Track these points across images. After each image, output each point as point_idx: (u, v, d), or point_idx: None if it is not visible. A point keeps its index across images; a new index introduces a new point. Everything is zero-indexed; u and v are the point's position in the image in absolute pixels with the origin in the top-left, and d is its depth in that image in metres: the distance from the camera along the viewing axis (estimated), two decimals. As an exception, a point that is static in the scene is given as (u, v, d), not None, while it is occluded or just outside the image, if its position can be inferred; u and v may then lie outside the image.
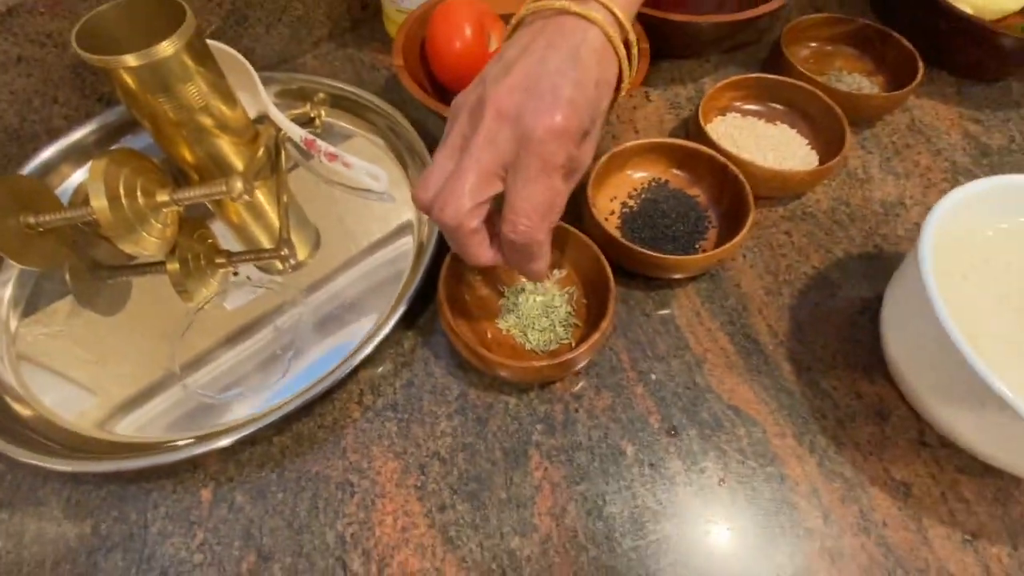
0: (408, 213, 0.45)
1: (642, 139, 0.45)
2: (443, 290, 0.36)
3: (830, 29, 0.55)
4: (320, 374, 0.35)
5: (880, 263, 0.43)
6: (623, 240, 0.39)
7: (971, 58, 0.54)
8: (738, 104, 0.51)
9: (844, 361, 0.38)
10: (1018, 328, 0.33)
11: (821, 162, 0.47)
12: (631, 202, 0.45)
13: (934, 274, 0.32)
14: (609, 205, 0.45)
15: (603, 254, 0.38)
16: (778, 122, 0.50)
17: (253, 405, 0.36)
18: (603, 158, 0.43)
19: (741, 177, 0.42)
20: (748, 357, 0.38)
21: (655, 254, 0.38)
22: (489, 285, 0.40)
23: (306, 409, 0.36)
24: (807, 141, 0.49)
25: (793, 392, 0.37)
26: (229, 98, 0.41)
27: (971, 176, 0.49)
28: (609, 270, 0.37)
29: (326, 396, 0.36)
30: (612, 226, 0.44)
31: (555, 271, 0.41)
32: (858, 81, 0.53)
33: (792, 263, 0.43)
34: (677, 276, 0.41)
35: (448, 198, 0.27)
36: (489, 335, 0.38)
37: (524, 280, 0.40)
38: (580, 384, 0.37)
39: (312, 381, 0.35)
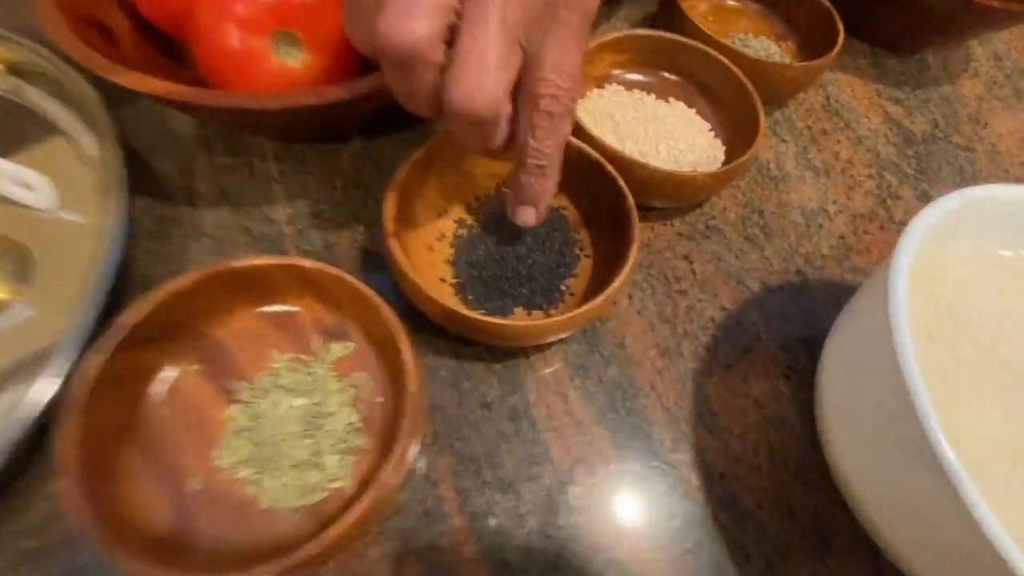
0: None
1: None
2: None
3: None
4: None
5: (806, 298, 0.32)
6: (441, 300, 0.24)
7: (892, 26, 0.44)
8: (620, 73, 0.38)
9: (769, 457, 0.27)
10: (1010, 429, 0.23)
11: (728, 152, 0.35)
12: (469, 219, 0.30)
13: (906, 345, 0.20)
14: (435, 226, 0.30)
15: (424, 313, 0.23)
16: (672, 98, 0.37)
17: None
18: (418, 152, 0.28)
19: (621, 184, 0.28)
20: (637, 467, 0.25)
21: (491, 320, 0.24)
22: (214, 381, 0.23)
23: None
24: (709, 125, 0.36)
25: (703, 521, 0.25)
26: None
27: (897, 171, 0.39)
28: (406, 349, 0.22)
29: None
30: (439, 260, 0.29)
31: (333, 344, 0.25)
32: (766, 47, 0.41)
33: (695, 303, 0.31)
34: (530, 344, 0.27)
35: (473, 78, 0.18)
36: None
37: (276, 363, 0.24)
38: (372, 552, 0.22)
39: None
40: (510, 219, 0.26)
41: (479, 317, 0.24)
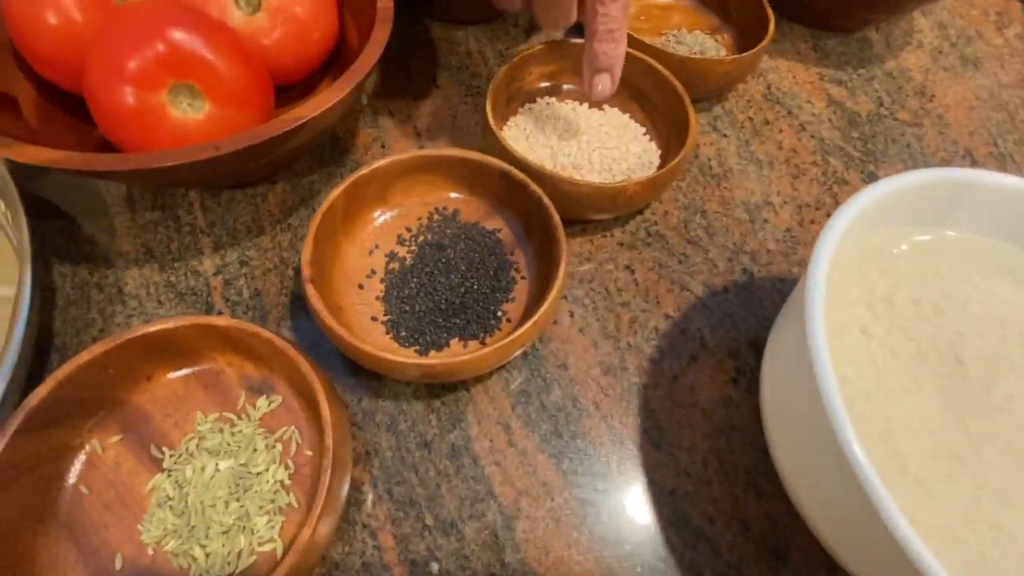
0: None
1: (408, 153, 0.29)
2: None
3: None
4: None
5: (752, 298, 0.31)
6: (369, 343, 0.23)
7: (828, 7, 0.44)
8: (550, 84, 0.37)
9: (719, 469, 0.26)
10: (949, 420, 0.22)
11: (664, 155, 0.34)
12: (401, 252, 0.30)
13: (824, 348, 0.20)
14: (365, 262, 0.29)
15: (350, 358, 0.22)
16: (605, 105, 0.37)
17: None
18: (337, 191, 0.27)
19: (547, 203, 0.28)
20: (583, 493, 0.25)
21: (416, 362, 0.23)
22: (136, 452, 0.23)
23: None
24: (644, 129, 0.36)
25: (653, 545, 0.24)
26: None
27: (843, 155, 0.39)
28: (323, 403, 0.21)
29: None
30: (372, 297, 0.28)
31: (260, 400, 0.24)
32: (701, 42, 0.41)
33: (638, 315, 0.30)
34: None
35: None
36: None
37: (200, 425, 0.23)
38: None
39: None
40: (590, 95, 0.29)
41: (404, 360, 0.23)
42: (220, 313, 0.28)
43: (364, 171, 0.28)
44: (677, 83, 0.34)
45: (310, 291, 0.24)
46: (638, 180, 0.29)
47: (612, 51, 0.27)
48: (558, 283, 0.25)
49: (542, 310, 0.24)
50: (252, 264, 0.30)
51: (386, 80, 0.38)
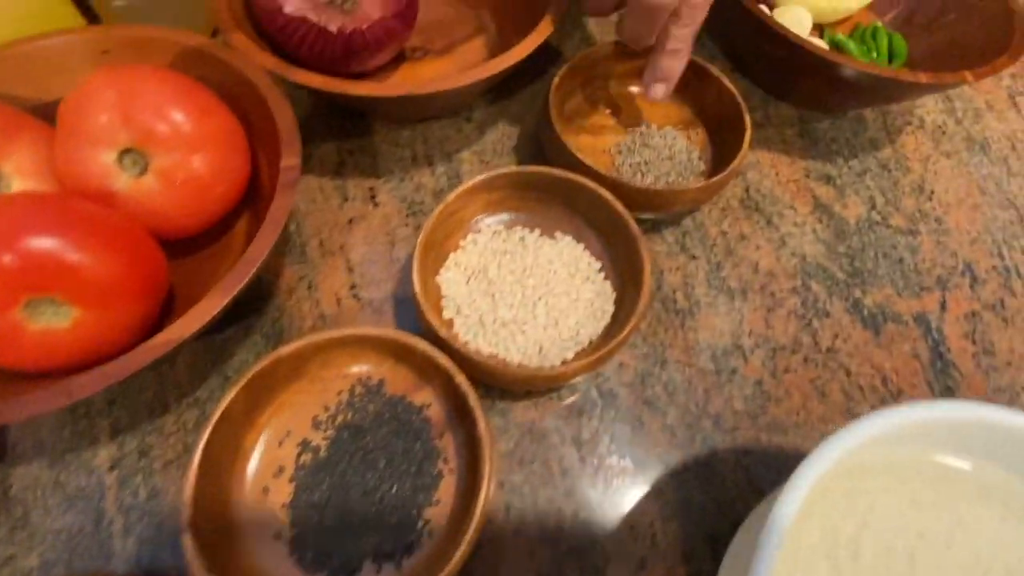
0: None
1: (320, 335, 0.26)
2: None
3: (627, 63, 0.38)
4: None
5: (713, 478, 0.28)
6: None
7: (818, 93, 0.39)
8: (496, 213, 0.33)
9: None
10: None
11: (620, 297, 0.30)
12: (315, 439, 0.27)
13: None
14: (274, 456, 0.26)
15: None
16: (559, 232, 0.33)
17: None
18: (236, 387, 0.24)
19: (458, 382, 0.24)
20: None
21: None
22: None
23: None
24: (600, 264, 0.32)
25: None
26: None
27: (826, 277, 0.35)
28: None
29: None
30: (277, 504, 0.25)
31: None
32: (670, 142, 0.37)
33: (581, 505, 0.27)
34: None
35: None
36: None
37: None
38: None
39: None
40: (648, 94, 0.34)
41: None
42: (111, 522, 0.25)
43: (265, 363, 0.25)
44: (631, 224, 0.29)
45: (187, 543, 0.21)
46: (576, 364, 0.26)
47: (674, 66, 0.32)
48: (483, 492, 0.22)
49: (465, 542, 0.21)
50: (152, 455, 0.27)
51: (319, 199, 0.35)
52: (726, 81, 0.36)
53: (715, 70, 0.36)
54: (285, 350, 0.25)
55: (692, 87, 0.37)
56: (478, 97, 0.39)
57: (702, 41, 0.45)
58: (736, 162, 0.32)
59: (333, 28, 0.31)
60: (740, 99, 0.35)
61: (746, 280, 0.34)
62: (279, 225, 0.24)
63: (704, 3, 0.29)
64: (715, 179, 0.32)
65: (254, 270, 0.23)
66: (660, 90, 0.33)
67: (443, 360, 0.25)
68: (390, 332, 0.26)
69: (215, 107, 0.27)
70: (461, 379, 0.25)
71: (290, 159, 0.26)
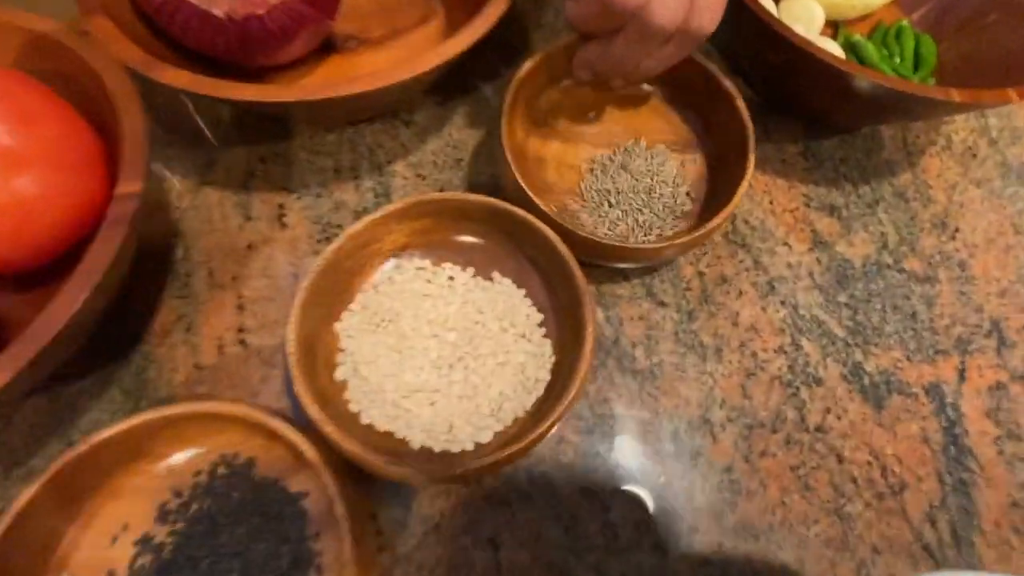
0: None
1: (171, 408, 0.20)
2: None
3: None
4: None
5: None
6: None
7: (816, 103, 0.33)
8: (423, 245, 0.27)
9: None
10: None
11: (560, 360, 0.24)
12: (161, 535, 0.21)
13: None
14: (103, 558, 0.20)
15: None
16: (497, 273, 0.27)
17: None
18: (35, 486, 0.19)
19: (332, 495, 0.19)
20: None
21: None
22: None
23: None
24: (542, 317, 0.26)
25: None
26: None
27: (822, 334, 0.28)
28: None
29: None
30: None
31: None
32: (656, 165, 0.30)
33: (493, 626, 0.22)
34: None
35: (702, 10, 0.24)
36: None
37: None
38: None
39: None
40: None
41: None
42: None
43: (82, 448, 0.19)
44: (578, 280, 0.23)
45: None
46: (491, 460, 0.20)
47: (626, 80, 0.28)
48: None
49: None
50: (-40, 544, 0.22)
51: (216, 218, 0.29)
52: (740, 102, 0.28)
53: (730, 85, 0.29)
54: (107, 433, 0.20)
55: (701, 98, 0.30)
56: (420, 96, 0.33)
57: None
58: (717, 220, 0.26)
59: (219, 12, 0.25)
60: (749, 126, 0.28)
61: (722, 335, 0.28)
62: (86, 286, 0.18)
63: (695, 43, 0.26)
64: (695, 235, 0.25)
65: (33, 354, 0.17)
66: (618, 82, 0.28)
67: (311, 453, 0.20)
68: (253, 411, 0.21)
69: (47, 113, 0.21)
70: (328, 478, 0.19)
71: (128, 184, 0.20)
